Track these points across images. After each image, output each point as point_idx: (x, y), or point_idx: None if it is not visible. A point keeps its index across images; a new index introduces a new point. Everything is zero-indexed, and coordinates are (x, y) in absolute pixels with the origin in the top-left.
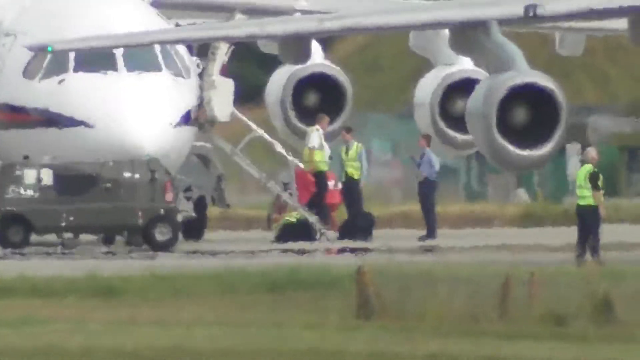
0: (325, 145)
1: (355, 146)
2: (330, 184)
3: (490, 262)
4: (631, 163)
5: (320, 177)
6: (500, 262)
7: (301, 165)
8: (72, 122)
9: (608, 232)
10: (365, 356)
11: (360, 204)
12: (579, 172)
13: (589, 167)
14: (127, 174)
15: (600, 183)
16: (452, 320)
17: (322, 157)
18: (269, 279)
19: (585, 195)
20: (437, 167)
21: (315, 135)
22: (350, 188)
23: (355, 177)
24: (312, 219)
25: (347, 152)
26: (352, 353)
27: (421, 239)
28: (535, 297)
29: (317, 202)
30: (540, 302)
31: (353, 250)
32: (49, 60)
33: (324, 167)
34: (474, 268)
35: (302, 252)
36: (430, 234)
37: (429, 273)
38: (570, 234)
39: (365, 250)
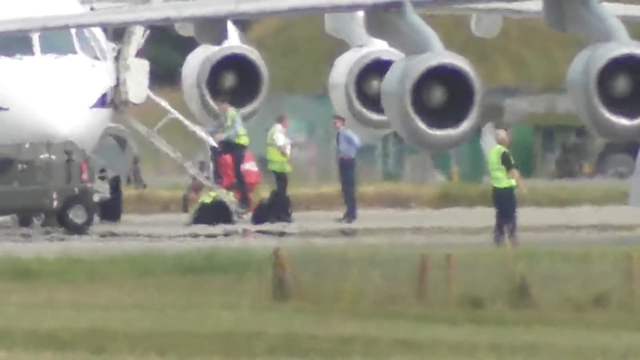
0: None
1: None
2: (249, 164)
3: (407, 243)
4: (545, 143)
5: (283, 178)
6: (417, 243)
7: (216, 145)
8: None
9: (523, 214)
10: (281, 337)
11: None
12: (490, 154)
13: (499, 148)
14: (43, 156)
15: (512, 162)
16: (369, 302)
17: (286, 157)
18: (186, 261)
19: (499, 177)
20: (357, 142)
21: (281, 134)
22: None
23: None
24: (229, 200)
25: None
26: (268, 334)
27: (341, 220)
28: (452, 279)
29: (278, 201)
30: (457, 284)
31: (269, 233)
32: None
33: (288, 169)
34: (390, 250)
35: (218, 235)
36: (350, 214)
37: (345, 255)
38: (486, 215)
39: (281, 233)
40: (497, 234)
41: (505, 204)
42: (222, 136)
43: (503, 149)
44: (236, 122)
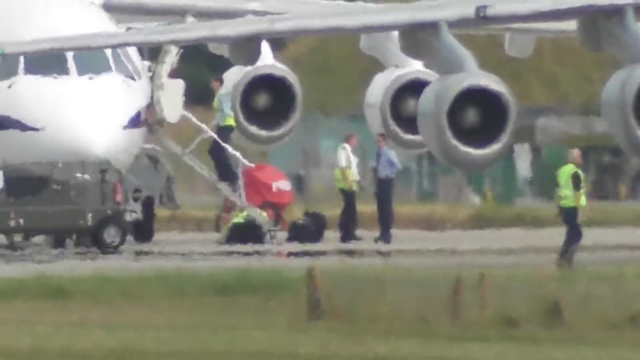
0: (354, 162)
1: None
2: (282, 184)
3: (441, 264)
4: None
5: (350, 197)
6: (452, 264)
7: (249, 164)
8: (22, 125)
9: (557, 234)
10: (315, 358)
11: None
12: (561, 171)
13: (571, 167)
14: (76, 176)
15: (582, 184)
16: (403, 322)
17: (353, 176)
18: (218, 281)
19: (568, 196)
20: (397, 164)
21: (343, 154)
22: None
23: None
24: (262, 219)
25: None
26: (302, 355)
27: (376, 240)
28: (486, 299)
29: (345, 221)
30: (490, 305)
31: (303, 253)
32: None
33: (355, 187)
34: (425, 270)
35: (251, 254)
36: (385, 235)
37: (379, 275)
38: (519, 236)
39: (316, 252)
40: (563, 253)
41: (571, 223)
42: (214, 122)
43: (575, 168)
44: (223, 103)
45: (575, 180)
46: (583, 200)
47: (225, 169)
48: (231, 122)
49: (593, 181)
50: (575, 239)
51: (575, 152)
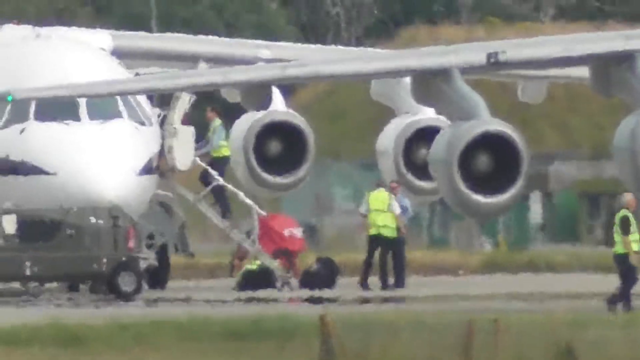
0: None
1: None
2: (295, 231)
3: (454, 309)
4: (591, 210)
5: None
6: (464, 309)
7: (263, 212)
8: (34, 170)
9: (569, 280)
10: None
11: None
12: (615, 217)
13: (622, 212)
14: (90, 221)
15: (632, 228)
16: None
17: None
18: (232, 327)
19: (617, 241)
20: (410, 211)
21: (394, 202)
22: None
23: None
24: (274, 266)
25: None
26: None
27: (390, 287)
28: (499, 344)
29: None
30: (503, 350)
31: (316, 299)
32: (10, 109)
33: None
34: (437, 316)
35: (265, 300)
36: (399, 281)
37: (392, 321)
38: (533, 281)
39: (329, 298)
40: (619, 299)
41: (621, 269)
42: (200, 152)
43: (625, 212)
44: (215, 133)
45: (624, 225)
46: (635, 245)
47: (218, 199)
48: (226, 152)
49: (604, 226)
50: (630, 284)
51: (628, 196)
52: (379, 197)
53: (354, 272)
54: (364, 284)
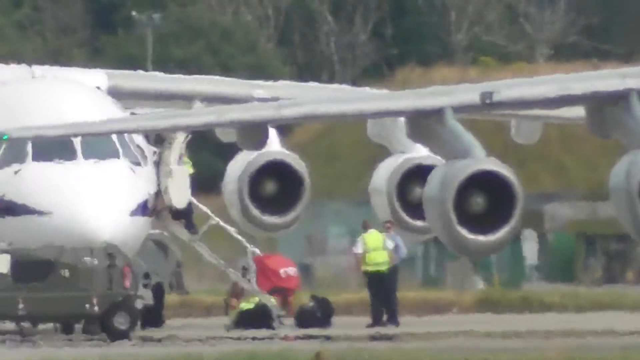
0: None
1: None
2: (290, 270)
3: (447, 348)
4: (588, 250)
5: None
6: (458, 348)
7: (258, 252)
8: (29, 210)
9: (565, 319)
10: None
11: None
12: None
13: None
14: (84, 261)
15: None
16: None
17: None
18: None
19: None
20: (404, 250)
21: (388, 239)
22: None
23: None
24: (272, 304)
25: None
26: None
27: (382, 325)
28: None
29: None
30: None
31: (311, 336)
32: (5, 149)
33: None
34: (431, 353)
35: (259, 338)
36: (392, 320)
37: (387, 359)
38: (526, 320)
39: (324, 337)
40: None
41: None
42: None
43: None
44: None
45: None
46: None
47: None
48: (189, 168)
49: (602, 267)
50: None
51: None
52: (373, 237)
53: (347, 311)
54: (376, 322)
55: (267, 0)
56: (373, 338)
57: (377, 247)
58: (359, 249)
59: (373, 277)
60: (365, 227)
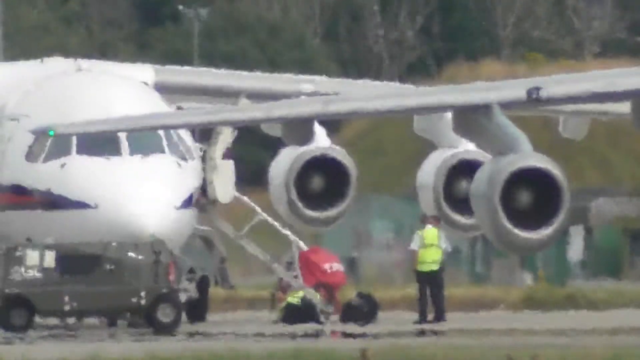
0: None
1: None
2: (335, 265)
3: (493, 345)
4: (633, 246)
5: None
6: (503, 344)
7: (304, 246)
8: (75, 204)
9: (611, 316)
10: None
11: None
12: None
13: None
14: (130, 255)
15: None
16: None
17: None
18: None
19: None
20: (449, 246)
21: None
22: None
23: None
24: (317, 300)
25: None
26: None
27: (430, 321)
28: None
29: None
30: None
31: (357, 333)
32: (51, 143)
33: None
34: (477, 350)
35: (305, 334)
36: (439, 316)
37: (432, 356)
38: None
39: (369, 333)
40: None
41: None
42: None
43: None
44: None
45: None
46: None
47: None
48: None
49: None
50: None
51: None
52: (430, 233)
53: (393, 306)
54: (423, 320)
55: None
56: (419, 334)
57: (433, 244)
58: (415, 245)
59: (425, 274)
60: (424, 222)
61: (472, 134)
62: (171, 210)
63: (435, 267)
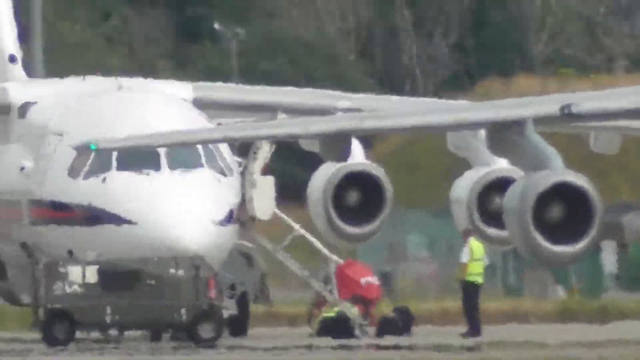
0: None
1: None
2: (371, 279)
3: (527, 357)
4: None
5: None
6: (538, 357)
7: (340, 261)
8: (115, 220)
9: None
10: None
11: None
12: None
13: None
14: (171, 271)
15: None
16: None
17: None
18: None
19: None
20: (487, 261)
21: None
22: None
23: None
24: (353, 314)
25: None
26: None
27: (464, 335)
28: None
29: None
30: None
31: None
32: (93, 159)
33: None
34: None
35: (342, 347)
36: (474, 330)
37: None
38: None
39: (405, 346)
40: None
41: None
42: None
43: None
44: None
45: None
46: None
47: None
48: None
49: None
50: None
51: None
52: (478, 246)
53: (427, 320)
54: (475, 330)
55: (348, 13)
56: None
57: (480, 258)
58: (465, 258)
59: (472, 287)
60: (467, 235)
61: (506, 151)
62: (210, 226)
63: (480, 280)
